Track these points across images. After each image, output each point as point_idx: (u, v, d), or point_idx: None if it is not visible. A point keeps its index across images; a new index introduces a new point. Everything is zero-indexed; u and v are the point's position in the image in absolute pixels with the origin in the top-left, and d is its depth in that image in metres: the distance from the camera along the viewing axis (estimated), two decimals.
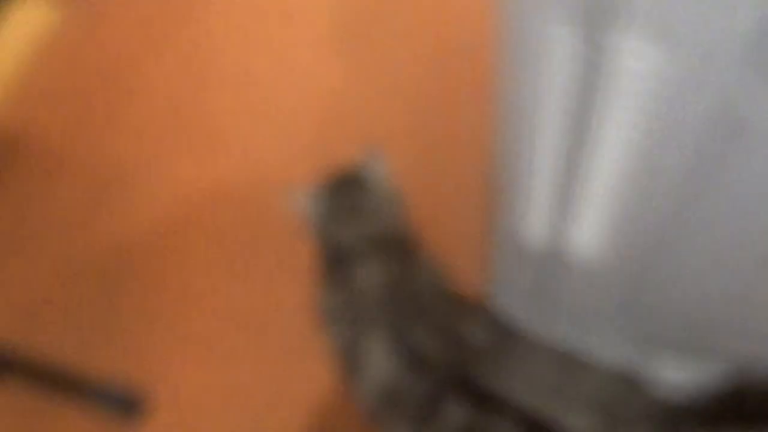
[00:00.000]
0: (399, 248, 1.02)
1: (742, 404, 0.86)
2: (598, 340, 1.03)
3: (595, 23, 0.54)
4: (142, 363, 1.30)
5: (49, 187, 1.51)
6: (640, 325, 0.96)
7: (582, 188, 0.74)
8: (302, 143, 1.50)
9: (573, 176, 0.73)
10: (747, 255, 0.71)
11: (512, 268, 1.02)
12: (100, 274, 1.39)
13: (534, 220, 0.86)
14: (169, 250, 1.40)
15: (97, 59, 1.68)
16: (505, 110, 0.72)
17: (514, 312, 1.09)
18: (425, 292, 0.95)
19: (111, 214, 1.46)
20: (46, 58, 1.70)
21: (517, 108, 0.69)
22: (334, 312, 1.00)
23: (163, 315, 1.34)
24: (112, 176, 1.51)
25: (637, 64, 0.55)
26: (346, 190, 1.06)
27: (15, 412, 1.28)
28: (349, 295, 0.98)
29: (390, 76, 1.57)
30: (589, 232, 0.82)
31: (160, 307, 1.35)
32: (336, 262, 1.04)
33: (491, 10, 1.60)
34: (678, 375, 0.98)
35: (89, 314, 1.35)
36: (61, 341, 1.33)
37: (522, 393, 0.83)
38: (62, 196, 1.49)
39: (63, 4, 1.77)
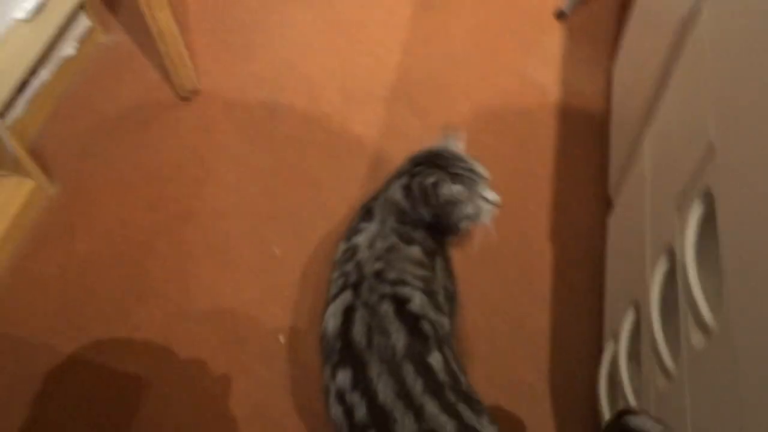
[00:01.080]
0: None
1: None
2: None
3: None
4: None
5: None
6: None
7: None
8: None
9: None
10: None
11: None
12: None
13: None
14: None
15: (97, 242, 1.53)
16: None
17: None
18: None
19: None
20: (39, 238, 1.54)
21: None
22: (340, 258, 1.13)
23: None
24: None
25: None
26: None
27: None
28: (351, 251, 1.12)
29: None
30: None
31: None
32: (364, 212, 1.19)
33: None
34: None
35: None
36: None
37: None
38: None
39: (56, 179, 1.62)
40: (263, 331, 1.40)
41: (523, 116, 1.71)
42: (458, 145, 1.24)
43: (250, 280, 1.47)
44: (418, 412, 0.94)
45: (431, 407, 0.94)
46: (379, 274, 1.06)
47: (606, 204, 1.50)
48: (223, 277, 1.48)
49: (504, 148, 1.65)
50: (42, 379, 1.36)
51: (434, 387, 0.96)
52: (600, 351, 1.26)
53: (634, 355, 1.06)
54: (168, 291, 1.45)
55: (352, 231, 1.17)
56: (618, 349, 1.10)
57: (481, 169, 1.19)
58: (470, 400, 1.00)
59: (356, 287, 1.06)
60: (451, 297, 1.16)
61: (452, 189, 1.14)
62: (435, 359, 0.99)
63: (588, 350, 1.33)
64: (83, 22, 1.78)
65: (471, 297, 1.43)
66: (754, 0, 0.77)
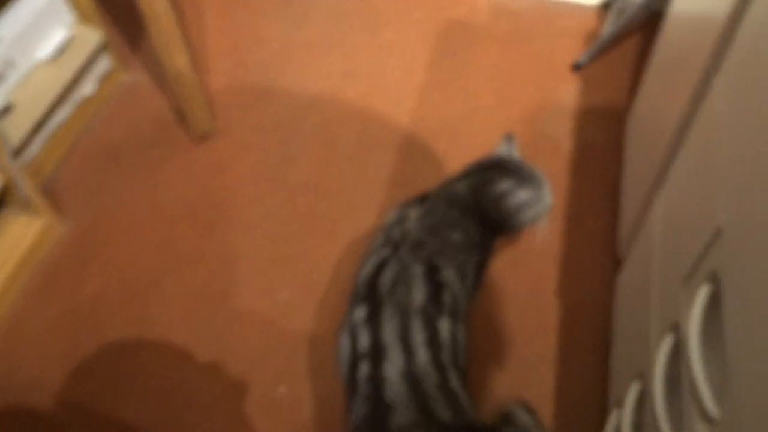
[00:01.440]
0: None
1: None
2: None
3: None
4: None
5: None
6: None
7: None
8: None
9: None
10: None
11: None
12: None
13: None
14: None
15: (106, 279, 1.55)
16: None
17: None
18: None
19: None
20: (49, 276, 1.55)
21: None
22: (388, 222, 1.22)
23: None
24: None
25: None
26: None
27: None
28: (401, 219, 1.20)
29: None
30: None
31: None
32: (421, 197, 1.25)
33: None
34: None
35: None
36: None
37: None
38: None
39: (68, 216, 1.64)
40: (265, 381, 1.39)
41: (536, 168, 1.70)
42: (515, 152, 1.29)
43: (254, 328, 1.46)
44: (410, 357, 1.03)
45: (423, 358, 1.03)
46: (421, 243, 1.15)
47: (616, 262, 1.48)
48: (228, 322, 1.47)
49: None
50: (45, 422, 1.36)
51: (434, 344, 1.05)
52: (604, 413, 1.23)
53: (638, 427, 1.04)
54: (172, 335, 1.45)
55: (407, 204, 1.26)
56: (621, 418, 1.07)
57: (539, 173, 1.24)
58: (462, 373, 1.07)
59: (397, 246, 1.15)
60: (475, 287, 1.23)
61: (521, 197, 1.20)
62: (443, 325, 1.07)
63: (592, 413, 1.31)
64: (104, 62, 1.82)
65: (475, 350, 1.41)
66: (765, 80, 0.76)
